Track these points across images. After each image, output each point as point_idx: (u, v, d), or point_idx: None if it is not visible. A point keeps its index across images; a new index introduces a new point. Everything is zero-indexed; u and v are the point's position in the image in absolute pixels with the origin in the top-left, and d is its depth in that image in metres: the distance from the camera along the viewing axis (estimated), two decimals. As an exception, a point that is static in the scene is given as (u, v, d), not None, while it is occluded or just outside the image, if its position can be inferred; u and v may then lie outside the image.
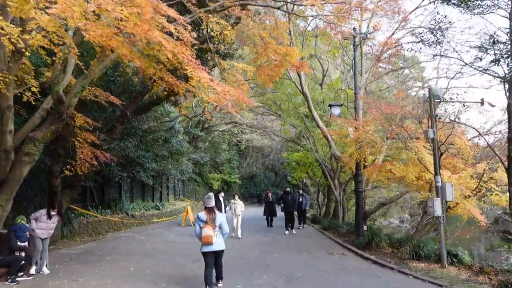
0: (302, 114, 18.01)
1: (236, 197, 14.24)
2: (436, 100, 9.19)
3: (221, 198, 13.83)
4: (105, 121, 11.90)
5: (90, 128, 9.81)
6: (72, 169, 9.53)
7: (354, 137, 12.02)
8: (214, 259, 6.61)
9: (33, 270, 7.63)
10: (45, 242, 8.02)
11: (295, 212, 16.29)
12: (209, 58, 11.55)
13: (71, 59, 8.56)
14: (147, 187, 23.23)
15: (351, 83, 19.69)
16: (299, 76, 15.00)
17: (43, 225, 7.96)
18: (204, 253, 6.56)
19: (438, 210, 8.72)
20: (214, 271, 6.73)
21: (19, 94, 8.88)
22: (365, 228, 12.53)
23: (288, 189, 15.88)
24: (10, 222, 11.43)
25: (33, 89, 8.17)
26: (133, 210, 19.02)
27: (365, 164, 12.85)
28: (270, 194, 18.36)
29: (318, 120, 14.86)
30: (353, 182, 20.24)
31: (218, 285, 6.79)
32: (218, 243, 6.54)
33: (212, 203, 6.78)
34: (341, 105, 13.08)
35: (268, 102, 19.85)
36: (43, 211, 8.06)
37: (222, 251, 6.70)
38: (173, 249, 11.18)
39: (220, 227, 6.63)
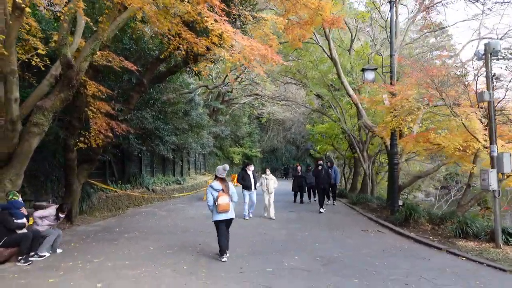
0: (329, 81, 16.80)
1: (268, 172, 12.43)
2: (493, 58, 7.95)
3: (249, 172, 11.75)
4: (121, 91, 11.10)
5: (104, 97, 9.03)
6: (87, 141, 8.81)
7: (391, 104, 10.89)
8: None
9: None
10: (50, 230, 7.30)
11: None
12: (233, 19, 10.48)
13: (81, 20, 7.69)
14: (168, 161, 22.73)
15: (381, 50, 18.30)
16: (328, 40, 13.78)
17: (47, 222, 7.28)
18: (219, 221, 6.70)
19: (493, 183, 7.66)
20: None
21: (27, 60, 8.16)
22: (400, 203, 11.57)
23: (321, 162, 14.40)
24: (27, 197, 11.03)
25: (40, 51, 7.38)
26: (153, 184, 18.55)
27: (401, 134, 11.75)
28: (299, 168, 16.69)
29: (348, 87, 13.71)
30: (382, 154, 19.19)
31: (224, 258, 6.78)
32: (231, 211, 6.76)
33: (224, 174, 6.94)
34: (376, 69, 11.87)
35: (292, 70, 18.67)
36: (52, 211, 7.32)
37: (233, 219, 6.95)
38: (195, 226, 10.53)
39: (231, 195, 6.79)
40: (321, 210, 13.12)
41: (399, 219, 10.51)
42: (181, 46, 8.02)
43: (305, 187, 16.10)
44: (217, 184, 6.72)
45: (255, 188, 11.76)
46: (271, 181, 12.02)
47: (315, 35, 14.43)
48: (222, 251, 6.72)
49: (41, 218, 7.14)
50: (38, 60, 8.18)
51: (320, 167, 13.68)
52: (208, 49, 10.49)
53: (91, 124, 8.61)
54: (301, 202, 15.95)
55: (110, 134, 9.34)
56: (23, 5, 6.31)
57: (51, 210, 7.31)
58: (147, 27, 10.54)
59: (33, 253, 6.71)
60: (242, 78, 27.47)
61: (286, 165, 49.15)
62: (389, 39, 11.81)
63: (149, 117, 12.10)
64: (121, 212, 13.97)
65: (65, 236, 8.90)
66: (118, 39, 10.75)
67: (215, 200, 6.62)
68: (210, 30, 5.64)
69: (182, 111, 19.74)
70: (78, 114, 9.37)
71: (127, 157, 17.39)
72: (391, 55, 11.59)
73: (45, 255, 6.88)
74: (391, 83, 11.40)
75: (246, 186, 11.68)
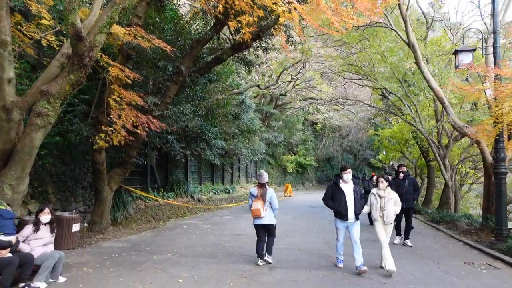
0: (401, 75, 14.15)
1: (383, 182, 6.79)
2: None
3: (345, 185, 6.63)
4: (156, 81, 9.41)
5: (131, 83, 7.32)
6: (108, 138, 7.10)
7: (501, 95, 8.19)
8: (265, 233, 6.83)
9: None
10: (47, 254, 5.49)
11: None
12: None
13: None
14: (216, 168, 21.08)
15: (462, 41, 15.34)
16: (404, 21, 11.31)
17: (40, 242, 5.54)
18: (255, 226, 6.86)
19: None
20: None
21: (39, 39, 6.66)
22: (510, 225, 8.78)
23: (404, 168, 9.45)
24: (54, 206, 9.67)
25: (44, 21, 5.79)
26: (200, 193, 16.88)
27: (510, 135, 9.01)
28: (375, 179, 11.68)
29: (430, 78, 11.10)
30: (466, 163, 16.10)
31: (266, 258, 6.83)
32: (267, 217, 6.74)
33: (264, 180, 6.85)
34: (474, 50, 9.20)
35: (356, 64, 16.21)
36: (29, 226, 5.59)
37: (272, 225, 6.85)
38: (241, 246, 8.49)
39: (270, 202, 6.77)
40: (408, 243, 8.97)
41: (513, 248, 7.76)
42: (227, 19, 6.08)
43: None
44: (254, 190, 6.89)
45: (356, 217, 6.56)
46: (390, 201, 6.66)
47: (387, 17, 11.98)
48: (258, 254, 6.82)
49: (26, 239, 5.41)
50: (53, 39, 6.63)
51: (402, 175, 9.20)
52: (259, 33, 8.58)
53: (111, 116, 6.89)
54: (371, 223, 10.56)
55: (139, 131, 7.58)
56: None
57: (28, 226, 5.59)
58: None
59: (22, 285, 5.01)
60: (297, 79, 25.35)
61: (356, 174, 45.76)
62: (492, 10, 9.12)
63: (190, 113, 10.28)
64: (161, 224, 12.33)
65: (83, 255, 7.27)
66: (148, 16, 9.07)
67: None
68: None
69: (232, 114, 18.02)
70: (106, 108, 7.74)
71: (171, 162, 15.91)
72: (494, 32, 8.92)
73: (39, 288, 5.14)
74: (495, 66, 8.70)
75: (339, 212, 6.63)
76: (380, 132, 21.02)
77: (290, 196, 26.55)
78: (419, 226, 12.23)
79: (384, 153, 28.30)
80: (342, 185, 6.53)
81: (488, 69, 8.30)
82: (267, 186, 6.83)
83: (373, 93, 17.44)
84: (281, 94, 27.25)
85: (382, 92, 17.87)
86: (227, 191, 19.95)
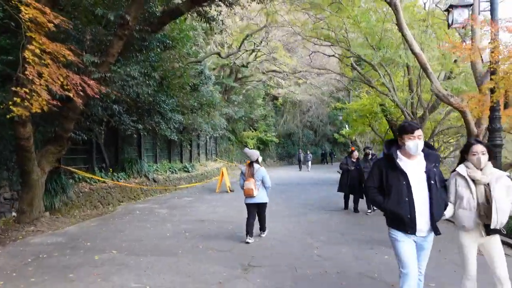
0: (375, 42, 13.00)
1: (479, 154, 3.34)
2: None
3: (413, 147, 3.16)
4: (96, 37, 7.52)
5: (53, 29, 5.51)
6: (27, 103, 5.29)
7: (493, 57, 7.16)
8: (257, 211, 6.76)
9: None
10: None
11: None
12: None
13: None
14: (174, 145, 19.33)
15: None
16: (385, -24, 10.04)
17: None
18: (247, 204, 6.74)
19: None
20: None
21: None
22: None
23: (370, 147, 10.34)
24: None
25: None
26: (155, 173, 15.17)
27: (507, 103, 8.13)
28: (356, 154, 9.95)
29: (412, 42, 9.96)
30: (439, 136, 15.50)
31: (261, 235, 6.93)
32: (259, 196, 6.63)
33: (252, 158, 6.76)
34: (471, 5, 8.10)
35: (325, 31, 14.90)
36: None
37: (264, 204, 6.80)
38: (207, 236, 7.10)
39: (262, 181, 6.67)
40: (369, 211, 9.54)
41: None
42: None
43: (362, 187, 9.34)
44: (245, 169, 6.78)
45: (433, 227, 3.22)
46: (498, 187, 3.27)
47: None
48: (247, 231, 6.64)
49: None
50: None
51: (370, 156, 9.74)
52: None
53: (27, 73, 5.07)
54: (355, 210, 9.76)
55: (72, 96, 5.83)
56: None
57: None
58: None
59: None
60: (259, 50, 23.75)
61: (324, 151, 45.47)
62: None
63: (140, 77, 8.46)
64: (110, 209, 10.66)
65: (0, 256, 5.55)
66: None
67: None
68: None
69: (190, 85, 16.27)
70: (22, 63, 5.86)
71: (122, 139, 14.05)
72: (491, -14, 7.84)
73: None
74: (490, 25, 7.66)
75: (397, 217, 3.25)
76: (348, 105, 20.06)
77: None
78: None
79: (347, 127, 27.68)
80: (403, 163, 3.19)
81: (492, 24, 7.23)
82: (256, 165, 6.69)
83: (343, 63, 16.27)
84: (242, 66, 25.62)
85: (351, 63, 16.77)
86: (186, 169, 18.34)
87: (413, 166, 3.16)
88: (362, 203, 9.80)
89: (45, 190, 8.85)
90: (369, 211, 9.57)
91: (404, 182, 3.11)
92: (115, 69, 7.50)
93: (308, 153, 31.66)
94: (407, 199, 3.08)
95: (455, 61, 12.31)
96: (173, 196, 13.50)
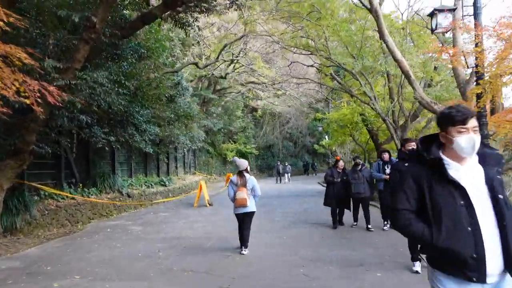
0: (355, 51, 12.83)
1: None
2: None
3: (467, 147, 2.02)
4: (60, 42, 6.94)
5: (6, 28, 4.93)
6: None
7: (479, 61, 6.96)
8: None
9: None
10: None
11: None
12: None
13: None
14: (150, 158, 18.63)
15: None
16: (365, -18, 9.88)
17: None
18: (237, 215, 6.65)
19: None
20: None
21: None
22: None
23: (359, 158, 9.46)
24: None
25: None
26: (130, 187, 14.45)
27: (494, 108, 7.95)
28: (342, 164, 9.21)
29: (394, 49, 9.79)
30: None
31: (242, 252, 6.53)
32: (250, 206, 6.57)
33: (241, 167, 6.74)
34: (455, 9, 7.92)
35: (303, 41, 14.68)
36: None
37: (253, 213, 6.71)
38: (183, 256, 6.52)
39: (252, 190, 6.65)
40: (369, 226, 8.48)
41: None
42: None
43: (349, 199, 8.94)
44: (235, 178, 6.72)
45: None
46: None
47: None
48: (242, 242, 6.65)
49: None
50: None
51: (359, 166, 8.75)
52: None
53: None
54: (340, 222, 9.18)
55: (30, 103, 5.24)
56: None
57: None
58: None
59: None
60: (237, 61, 23.40)
61: (306, 162, 45.08)
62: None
63: (109, 84, 7.82)
64: (79, 227, 9.93)
65: None
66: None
67: (234, 195, 6.56)
68: None
69: (166, 96, 15.71)
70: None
71: (95, 152, 13.33)
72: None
73: None
74: (475, 27, 7.49)
75: (454, 255, 1.96)
76: (328, 115, 19.84)
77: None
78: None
79: (327, 138, 27.53)
80: (455, 172, 2.02)
81: (478, 28, 7.03)
82: (246, 174, 6.68)
83: (322, 72, 16.06)
84: (221, 77, 25.20)
85: (331, 72, 16.59)
86: (162, 183, 17.63)
87: (469, 175, 2.01)
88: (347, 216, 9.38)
89: (5, 209, 8.13)
90: (386, 224, 8.40)
91: (462, 202, 1.96)
92: (81, 75, 6.90)
93: (287, 164, 31.06)
94: (469, 228, 1.93)
95: (435, 68, 12.24)
96: (148, 212, 12.81)
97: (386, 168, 8.07)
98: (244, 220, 6.61)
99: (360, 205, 8.88)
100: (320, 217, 10.43)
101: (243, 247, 6.60)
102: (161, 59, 14.72)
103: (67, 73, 6.64)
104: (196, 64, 17.22)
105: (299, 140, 46.50)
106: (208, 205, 14.01)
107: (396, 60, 9.98)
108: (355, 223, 9.08)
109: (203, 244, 7.34)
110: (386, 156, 8.30)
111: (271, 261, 6.04)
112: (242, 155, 36.53)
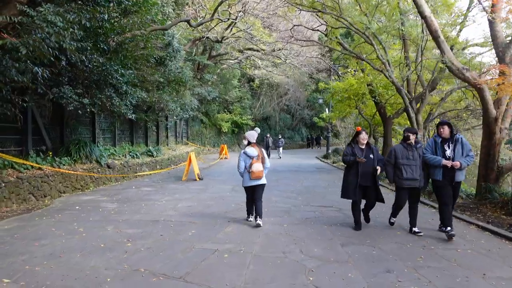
0: (374, 5, 11.12)
1: None
2: None
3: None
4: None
5: None
6: None
7: None
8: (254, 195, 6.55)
9: None
10: None
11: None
12: None
13: None
14: (138, 126, 17.15)
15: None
16: None
17: None
18: (251, 187, 6.52)
19: None
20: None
21: None
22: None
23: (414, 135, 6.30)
24: None
25: None
26: (111, 157, 13.00)
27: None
28: (365, 137, 6.43)
29: (422, 2, 8.20)
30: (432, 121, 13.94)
31: (258, 223, 6.36)
32: (264, 178, 6.56)
33: (253, 139, 6.63)
34: None
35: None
36: None
37: (264, 185, 6.62)
38: (157, 248, 5.13)
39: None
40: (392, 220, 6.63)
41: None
42: None
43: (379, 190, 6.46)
44: (252, 150, 6.47)
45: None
46: None
47: None
48: (249, 212, 6.82)
49: None
50: None
51: (416, 144, 6.19)
52: None
53: None
54: (366, 219, 6.76)
55: None
56: None
57: None
58: None
59: None
60: (234, 23, 21.50)
61: (310, 135, 44.55)
62: None
63: (63, 24, 6.08)
64: (46, 203, 8.53)
65: None
66: None
67: (247, 167, 6.40)
68: None
69: (156, 57, 14.03)
70: None
71: (72, 117, 11.83)
72: None
73: None
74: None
75: None
76: (332, 85, 18.20)
77: (226, 158, 23.46)
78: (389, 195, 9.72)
79: (327, 111, 26.01)
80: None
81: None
82: (257, 146, 6.59)
83: (328, 37, 14.31)
84: (217, 41, 23.32)
85: (336, 36, 14.85)
86: (149, 153, 16.19)
87: None
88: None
89: None
90: (451, 231, 5.80)
91: None
92: (28, 11, 5.27)
93: (280, 137, 28.31)
94: None
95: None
96: (130, 186, 11.42)
97: (446, 148, 5.87)
98: (258, 192, 6.52)
99: (408, 198, 6.25)
100: (325, 198, 9.10)
101: (258, 217, 6.45)
102: (149, 16, 12.95)
103: (8, 7, 5.03)
104: (188, 21, 15.36)
105: (297, 113, 44.95)
106: (197, 179, 12.65)
107: (423, 16, 8.40)
108: (393, 220, 6.69)
109: (184, 232, 5.96)
110: (445, 130, 5.90)
111: (270, 261, 4.67)
112: (237, 125, 35.07)
